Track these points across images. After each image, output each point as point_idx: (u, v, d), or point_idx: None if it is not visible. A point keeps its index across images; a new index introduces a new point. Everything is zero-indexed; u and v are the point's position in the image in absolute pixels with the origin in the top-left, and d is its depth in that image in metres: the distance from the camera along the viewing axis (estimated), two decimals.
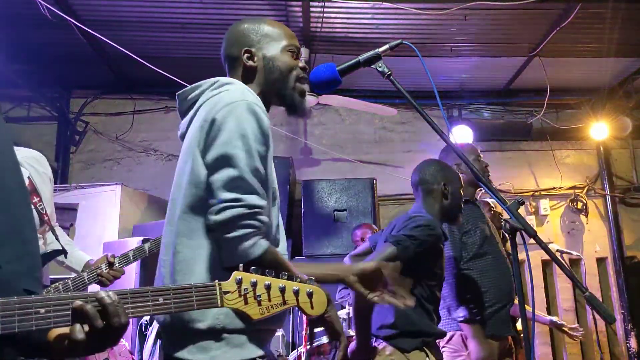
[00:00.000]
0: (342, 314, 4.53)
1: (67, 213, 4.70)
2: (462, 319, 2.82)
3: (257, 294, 1.16)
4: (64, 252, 2.42)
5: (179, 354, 1.39)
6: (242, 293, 1.15)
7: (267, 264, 1.31)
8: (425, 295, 2.52)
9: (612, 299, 6.41)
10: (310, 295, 1.21)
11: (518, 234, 1.33)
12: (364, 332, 2.50)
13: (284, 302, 1.18)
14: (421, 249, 2.41)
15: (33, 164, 2.54)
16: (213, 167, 1.41)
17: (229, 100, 1.45)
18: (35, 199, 2.41)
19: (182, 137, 1.62)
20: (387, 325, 2.49)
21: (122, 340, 3.99)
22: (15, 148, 2.34)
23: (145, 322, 3.97)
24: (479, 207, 3.25)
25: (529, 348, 1.24)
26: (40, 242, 2.49)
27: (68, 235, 4.69)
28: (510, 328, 3.07)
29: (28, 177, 2.45)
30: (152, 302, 1.07)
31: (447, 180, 2.67)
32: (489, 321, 2.88)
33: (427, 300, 2.52)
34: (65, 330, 1.01)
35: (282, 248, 1.61)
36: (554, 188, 6.65)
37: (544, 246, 1.31)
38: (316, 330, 4.46)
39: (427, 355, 2.46)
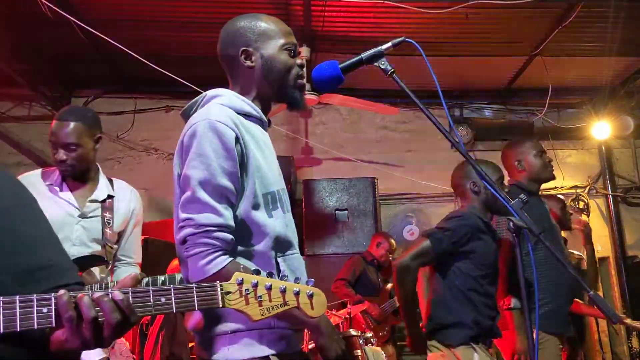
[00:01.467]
0: (343, 313, 4.52)
1: None
2: (507, 307, 2.78)
3: (258, 295, 1.16)
4: (105, 261, 2.50)
5: (203, 355, 1.48)
6: (244, 294, 1.16)
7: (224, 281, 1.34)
8: (469, 287, 2.52)
9: (613, 299, 6.40)
10: (310, 296, 1.21)
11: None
12: (411, 323, 2.55)
13: (285, 303, 1.19)
14: (456, 239, 2.48)
15: (122, 193, 2.74)
16: (182, 188, 1.49)
17: (193, 121, 1.50)
18: (107, 215, 2.58)
19: None
20: (433, 321, 2.56)
21: (122, 339, 3.99)
22: (118, 181, 2.76)
23: (146, 322, 3.96)
24: (543, 202, 3.20)
25: (532, 347, 1.23)
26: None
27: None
28: (565, 327, 2.99)
29: (111, 196, 2.65)
30: (153, 301, 1.07)
31: (471, 177, 2.73)
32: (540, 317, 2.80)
33: (473, 292, 2.53)
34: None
35: (296, 247, 1.66)
36: (555, 187, 6.63)
37: (547, 245, 1.30)
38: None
39: (475, 351, 2.45)
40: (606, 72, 6.04)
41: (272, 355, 1.45)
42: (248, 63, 1.65)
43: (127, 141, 6.51)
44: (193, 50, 5.60)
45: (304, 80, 1.69)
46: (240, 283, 1.16)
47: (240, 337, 1.44)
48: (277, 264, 1.53)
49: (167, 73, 4.63)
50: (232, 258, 1.42)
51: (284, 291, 1.18)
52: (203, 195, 1.42)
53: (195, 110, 1.62)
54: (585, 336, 3.39)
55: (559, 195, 4.27)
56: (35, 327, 0.97)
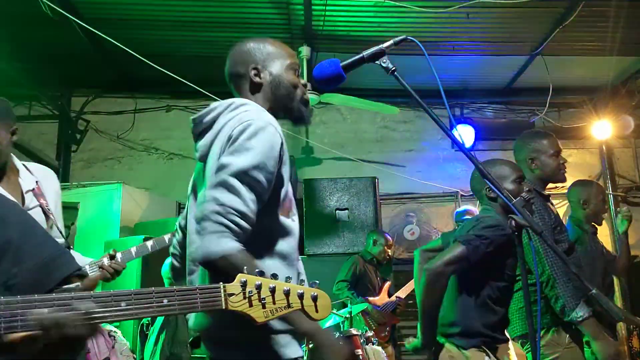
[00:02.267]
0: (343, 313, 4.52)
1: (68, 212, 4.68)
2: (581, 318, 2.60)
3: (261, 297, 1.15)
4: (67, 246, 2.49)
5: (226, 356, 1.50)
6: (247, 295, 1.14)
7: (231, 266, 1.33)
8: (493, 297, 2.49)
9: (615, 298, 6.38)
10: (314, 298, 1.20)
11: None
12: (431, 329, 2.49)
13: (289, 306, 1.17)
14: (492, 248, 2.40)
15: (41, 175, 2.65)
16: (214, 171, 1.50)
17: (245, 118, 1.54)
18: (43, 201, 2.50)
19: (202, 158, 1.66)
20: (447, 323, 2.51)
21: (123, 339, 3.99)
22: (28, 163, 2.53)
23: (147, 322, 3.96)
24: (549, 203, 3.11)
25: (534, 346, 1.23)
26: None
27: (69, 234, 4.70)
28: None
29: (37, 182, 2.55)
30: (156, 303, 1.07)
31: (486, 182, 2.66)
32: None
33: (494, 302, 2.50)
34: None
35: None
36: (556, 187, 6.61)
37: (549, 244, 1.30)
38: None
39: (488, 355, 2.44)
40: (607, 71, 6.04)
41: (300, 357, 1.51)
42: (257, 79, 1.73)
43: (127, 141, 6.50)
44: (193, 49, 5.60)
45: (308, 98, 1.79)
46: (244, 285, 1.14)
47: (283, 337, 1.47)
48: (299, 264, 1.62)
49: (167, 72, 4.62)
50: (242, 247, 1.42)
51: (287, 293, 1.17)
52: (236, 181, 1.44)
53: (218, 115, 1.64)
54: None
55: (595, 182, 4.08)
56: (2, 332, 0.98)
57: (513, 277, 2.57)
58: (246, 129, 1.50)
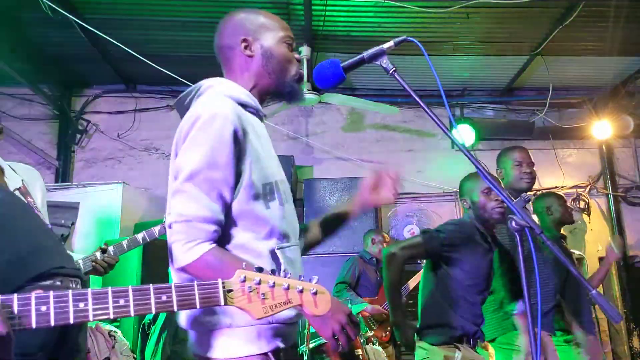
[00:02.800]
0: None
1: (68, 212, 4.69)
2: (516, 311, 2.89)
3: (261, 293, 1.15)
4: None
5: (200, 352, 1.45)
6: (246, 291, 1.14)
7: (203, 269, 1.36)
8: (458, 293, 2.64)
9: (614, 299, 6.39)
10: (314, 294, 1.20)
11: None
12: (396, 309, 2.66)
13: (288, 301, 1.17)
14: (447, 242, 2.62)
15: (27, 174, 2.66)
16: (173, 174, 1.51)
17: (192, 112, 1.49)
18: (30, 200, 2.51)
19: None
20: (419, 321, 2.73)
21: (123, 339, 3.99)
22: (13, 163, 2.48)
23: (148, 322, 3.97)
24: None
25: (535, 346, 1.23)
26: None
27: (69, 234, 4.72)
28: (552, 328, 3.08)
29: (22, 181, 2.56)
30: (155, 299, 1.06)
31: (464, 193, 2.87)
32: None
33: (462, 298, 2.64)
34: None
35: (295, 239, 1.63)
36: (556, 187, 6.63)
37: (549, 244, 1.30)
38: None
39: (458, 349, 2.56)
40: (607, 71, 6.04)
41: (270, 352, 1.44)
42: (248, 52, 1.65)
43: (127, 140, 6.50)
44: (194, 49, 5.60)
45: (302, 73, 1.69)
46: (243, 281, 1.14)
47: (239, 333, 1.42)
48: (275, 255, 1.51)
49: (168, 72, 4.63)
50: (213, 245, 1.41)
51: (287, 289, 1.16)
52: (190, 186, 1.42)
53: (191, 100, 1.62)
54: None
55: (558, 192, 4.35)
56: None
57: (483, 277, 2.71)
58: (194, 124, 1.45)
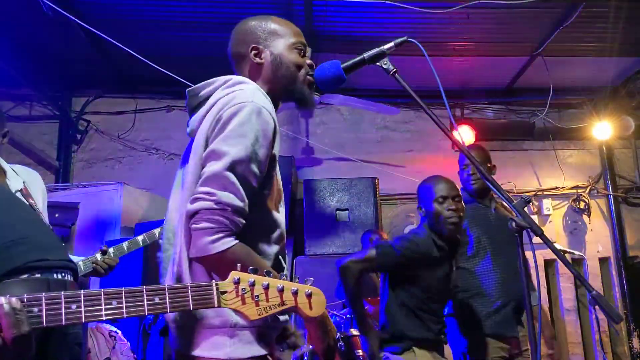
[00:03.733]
0: (345, 312, 4.52)
1: (68, 212, 4.70)
2: (446, 313, 2.95)
3: (254, 294, 1.14)
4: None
5: (194, 352, 1.40)
6: (240, 293, 1.14)
7: (229, 263, 1.29)
8: (415, 305, 2.66)
9: (614, 299, 6.39)
10: (309, 296, 1.19)
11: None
12: (359, 318, 2.69)
13: (282, 303, 1.17)
14: (402, 261, 2.61)
15: (28, 176, 2.69)
16: (205, 160, 1.44)
17: (237, 100, 1.45)
18: (31, 201, 2.53)
19: (192, 134, 1.60)
20: (382, 327, 2.75)
21: (124, 339, 3.99)
22: (14, 165, 2.55)
23: (149, 321, 3.96)
24: (487, 207, 3.24)
25: (535, 348, 1.23)
26: None
27: (69, 235, 4.72)
28: (513, 329, 3.05)
29: (23, 183, 2.58)
30: (147, 301, 1.06)
31: (419, 200, 2.87)
32: (487, 320, 2.92)
33: (419, 309, 2.66)
34: None
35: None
36: (556, 188, 6.63)
37: (550, 245, 1.30)
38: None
39: (414, 353, 2.60)
40: (607, 72, 6.04)
41: (269, 355, 1.43)
42: (257, 60, 1.65)
43: (127, 141, 6.51)
44: (194, 50, 5.60)
45: (313, 79, 1.66)
46: (237, 282, 1.14)
47: (241, 333, 1.39)
48: (279, 259, 1.52)
49: (168, 73, 4.63)
50: (238, 241, 1.38)
51: (281, 290, 1.16)
52: (231, 175, 1.38)
53: (213, 90, 1.59)
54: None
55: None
56: None
57: (439, 291, 2.71)
58: (238, 112, 1.42)
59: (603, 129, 6.32)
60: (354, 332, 4.02)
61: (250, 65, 1.66)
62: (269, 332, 1.45)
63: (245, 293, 1.14)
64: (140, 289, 1.07)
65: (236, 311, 1.15)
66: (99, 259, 2.64)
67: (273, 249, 1.50)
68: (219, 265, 1.34)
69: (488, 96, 6.77)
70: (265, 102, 1.48)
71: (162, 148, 6.51)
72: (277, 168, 1.54)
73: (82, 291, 1.03)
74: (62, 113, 6.42)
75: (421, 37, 5.30)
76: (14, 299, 0.96)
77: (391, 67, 1.54)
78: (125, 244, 2.84)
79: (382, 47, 1.55)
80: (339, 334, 3.65)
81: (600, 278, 6.45)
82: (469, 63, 5.99)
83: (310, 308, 1.18)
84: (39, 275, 1.24)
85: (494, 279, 3.04)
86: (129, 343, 4.04)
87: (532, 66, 5.98)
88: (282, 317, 1.44)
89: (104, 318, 1.05)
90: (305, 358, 3.81)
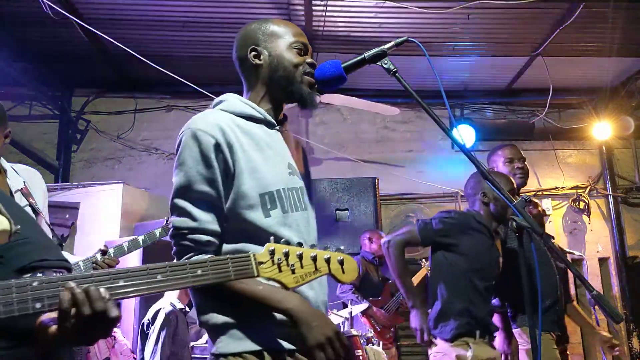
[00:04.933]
0: (344, 313, 4.52)
1: (68, 212, 4.70)
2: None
3: (290, 263, 1.21)
4: (60, 243, 2.55)
5: (212, 350, 1.51)
6: (276, 262, 1.20)
7: None
8: (459, 279, 2.67)
9: (614, 299, 6.40)
10: (341, 262, 1.27)
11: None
12: (407, 292, 2.71)
13: (317, 270, 1.23)
14: (439, 228, 2.69)
15: (28, 176, 2.70)
16: None
17: (181, 129, 1.57)
18: (32, 200, 2.53)
19: None
20: (431, 307, 2.73)
21: (123, 339, 3.99)
22: (15, 164, 2.56)
23: (147, 322, 3.96)
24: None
25: (535, 348, 1.23)
26: None
27: (69, 235, 4.72)
28: (553, 326, 3.04)
29: (24, 182, 2.58)
30: (190, 274, 1.12)
31: (483, 189, 2.86)
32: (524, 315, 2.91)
33: (463, 284, 2.66)
34: (53, 316, 1.02)
35: (306, 244, 1.63)
36: (556, 188, 6.64)
37: (550, 245, 1.30)
38: None
39: (469, 346, 2.56)
40: (607, 72, 6.04)
41: (264, 350, 1.44)
42: (256, 61, 1.66)
43: (127, 141, 6.51)
44: (194, 50, 5.61)
45: (313, 79, 1.66)
46: (272, 253, 1.20)
47: (231, 330, 1.46)
48: None
49: (167, 73, 4.63)
50: (208, 255, 1.45)
51: (315, 259, 1.23)
52: (180, 201, 1.50)
53: None
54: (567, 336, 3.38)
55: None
56: (31, 311, 0.97)
57: (483, 262, 2.73)
58: (179, 143, 1.55)
59: (603, 129, 6.33)
60: (354, 332, 4.03)
61: (250, 67, 1.68)
62: (265, 328, 1.46)
63: (281, 263, 1.20)
64: (184, 263, 1.13)
65: (273, 280, 1.21)
66: (99, 259, 2.64)
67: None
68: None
69: (488, 96, 6.78)
70: (202, 124, 1.53)
71: (162, 148, 6.51)
72: (259, 174, 1.54)
73: (128, 267, 1.08)
74: (62, 113, 6.42)
75: (421, 37, 5.35)
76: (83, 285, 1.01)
77: (392, 67, 1.53)
78: (125, 244, 2.85)
79: (382, 47, 1.55)
80: None
81: (600, 278, 6.46)
82: (469, 63, 5.99)
83: (343, 272, 1.26)
84: (40, 275, 1.25)
85: (543, 278, 3.01)
86: (128, 343, 4.05)
87: (532, 66, 5.99)
88: (278, 316, 1.45)
89: (150, 292, 1.09)
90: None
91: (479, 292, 2.69)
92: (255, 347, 1.44)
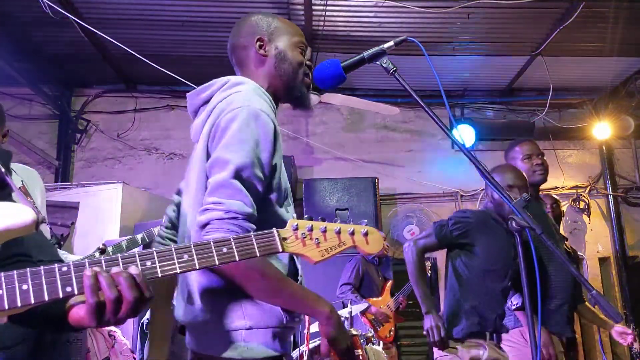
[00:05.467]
0: (343, 313, 4.52)
1: (68, 211, 4.69)
2: (515, 306, 2.89)
3: (314, 237, 1.19)
4: (58, 243, 2.54)
5: (209, 352, 1.42)
6: (300, 237, 1.19)
7: (250, 269, 1.34)
8: (474, 280, 2.66)
9: (614, 299, 6.39)
10: (365, 234, 1.24)
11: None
12: (422, 296, 2.68)
13: (341, 244, 1.22)
14: (455, 227, 2.68)
15: (26, 175, 2.71)
16: (209, 170, 1.44)
17: (234, 105, 1.44)
18: (29, 199, 2.53)
19: (195, 138, 1.60)
20: (444, 308, 2.73)
21: (123, 338, 3.99)
22: (13, 164, 2.51)
23: (147, 321, 3.96)
24: (540, 204, 3.24)
25: (535, 348, 1.23)
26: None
27: (69, 234, 4.71)
28: (564, 328, 3.01)
29: (22, 181, 2.58)
30: (216, 252, 1.11)
31: (487, 186, 2.86)
32: (549, 318, 2.89)
33: (478, 285, 2.65)
34: (82, 299, 1.03)
35: None
36: (556, 187, 6.63)
37: (549, 244, 1.30)
38: (317, 328, 4.45)
39: (484, 348, 2.54)
40: (607, 72, 6.04)
41: (284, 355, 1.44)
42: (262, 52, 1.64)
43: (127, 140, 6.50)
44: (194, 49, 5.60)
45: (310, 81, 1.67)
46: (296, 229, 1.19)
47: (256, 334, 1.41)
48: (294, 260, 1.52)
49: (168, 72, 4.63)
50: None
51: (339, 232, 1.21)
52: (236, 182, 1.37)
53: (212, 94, 1.58)
54: (577, 340, 3.36)
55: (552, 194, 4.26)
56: (61, 296, 0.97)
57: (501, 262, 2.70)
58: (235, 118, 1.41)
59: (603, 128, 6.33)
60: (354, 331, 4.03)
61: (254, 57, 1.65)
62: (284, 332, 1.46)
63: (305, 237, 1.19)
64: (208, 241, 1.11)
65: (299, 254, 1.20)
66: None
67: None
68: (239, 273, 1.36)
69: (488, 96, 6.78)
70: (263, 105, 1.47)
71: (162, 147, 6.51)
72: (282, 168, 1.53)
73: (154, 249, 1.08)
74: (62, 112, 6.42)
75: (421, 36, 5.35)
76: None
77: (391, 66, 1.53)
78: (124, 243, 2.84)
79: (382, 46, 1.55)
80: None
81: (600, 278, 6.46)
82: (469, 63, 5.99)
83: (367, 244, 1.24)
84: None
85: (554, 277, 2.99)
86: (128, 342, 4.04)
87: (532, 66, 5.98)
88: (296, 319, 1.47)
89: (178, 271, 1.08)
90: (305, 358, 3.81)
91: (491, 294, 2.67)
92: (276, 352, 1.43)
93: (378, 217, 5.70)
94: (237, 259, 1.12)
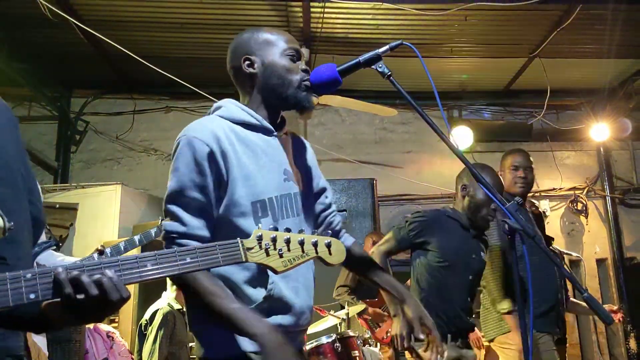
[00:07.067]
0: (341, 314, 4.53)
1: (67, 212, 4.70)
2: (505, 311, 2.92)
3: (277, 248, 1.22)
4: (56, 244, 2.54)
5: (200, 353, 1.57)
6: (264, 247, 1.21)
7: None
8: (431, 279, 2.67)
9: (612, 301, 6.40)
10: (328, 245, 1.27)
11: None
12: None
13: (304, 254, 1.24)
14: (411, 228, 2.70)
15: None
16: None
17: (178, 136, 1.60)
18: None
19: None
20: None
21: (121, 339, 4.00)
22: None
23: (145, 322, 3.98)
24: (525, 210, 3.28)
25: (526, 349, 1.24)
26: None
27: (67, 235, 4.71)
28: (553, 328, 3.06)
29: None
30: (179, 261, 1.13)
31: (467, 181, 2.84)
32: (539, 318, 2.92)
33: (434, 283, 2.66)
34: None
35: None
36: (554, 189, 6.65)
37: (542, 247, 1.31)
38: (314, 330, 4.46)
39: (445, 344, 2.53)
40: (605, 74, 6.06)
41: (252, 352, 1.46)
42: (250, 70, 1.67)
43: (126, 141, 6.51)
44: (192, 51, 5.61)
45: (309, 83, 1.67)
46: (260, 238, 1.22)
47: (218, 333, 1.50)
48: (263, 269, 1.49)
49: (166, 74, 4.64)
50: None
51: (302, 243, 1.24)
52: (172, 206, 1.52)
53: None
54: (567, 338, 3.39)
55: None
56: (25, 301, 0.99)
57: (456, 257, 2.71)
58: (175, 149, 1.58)
59: (600, 130, 6.34)
60: (351, 333, 4.04)
61: (244, 76, 1.69)
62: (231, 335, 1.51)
63: (269, 247, 1.21)
64: (172, 250, 1.14)
65: (262, 264, 1.22)
66: (96, 260, 2.65)
67: None
68: (186, 287, 1.48)
69: (486, 98, 6.79)
70: (197, 130, 1.56)
71: (161, 149, 6.52)
72: (253, 182, 1.56)
73: (118, 257, 1.10)
74: (61, 113, 6.43)
75: (419, 39, 5.37)
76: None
77: (386, 70, 1.55)
78: (122, 244, 2.85)
79: (377, 51, 1.56)
80: (335, 335, 3.65)
81: (597, 279, 6.47)
82: (466, 65, 6.01)
83: (330, 254, 1.27)
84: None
85: (542, 281, 3.02)
86: (126, 343, 4.06)
87: (530, 68, 6.00)
88: (278, 320, 1.50)
89: (141, 280, 1.11)
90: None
91: (451, 288, 2.67)
92: (240, 350, 1.48)
93: (376, 218, 5.71)
94: (200, 268, 1.15)
